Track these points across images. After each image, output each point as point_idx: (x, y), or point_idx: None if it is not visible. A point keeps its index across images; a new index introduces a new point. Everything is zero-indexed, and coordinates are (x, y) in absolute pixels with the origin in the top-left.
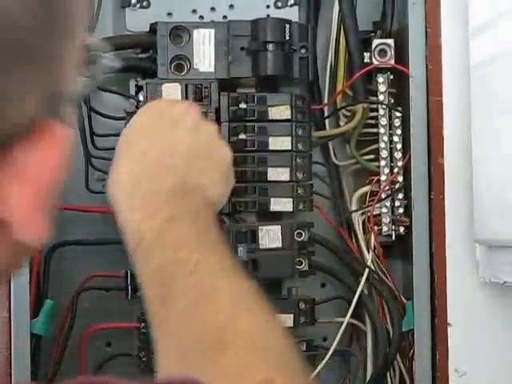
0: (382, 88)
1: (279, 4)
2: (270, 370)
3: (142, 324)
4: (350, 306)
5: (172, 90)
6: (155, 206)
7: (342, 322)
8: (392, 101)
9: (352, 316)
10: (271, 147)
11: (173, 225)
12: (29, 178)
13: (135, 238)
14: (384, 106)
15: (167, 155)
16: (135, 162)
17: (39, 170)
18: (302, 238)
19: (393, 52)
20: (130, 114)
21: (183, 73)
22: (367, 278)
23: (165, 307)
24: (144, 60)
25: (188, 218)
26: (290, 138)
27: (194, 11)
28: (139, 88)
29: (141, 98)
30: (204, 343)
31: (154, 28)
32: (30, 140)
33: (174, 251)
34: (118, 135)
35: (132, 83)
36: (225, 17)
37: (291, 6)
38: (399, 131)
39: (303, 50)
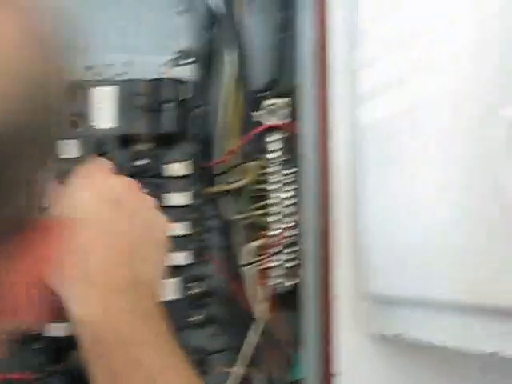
0: (273, 146)
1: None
2: None
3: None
4: (240, 356)
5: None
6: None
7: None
8: (284, 159)
9: (244, 366)
10: (167, 203)
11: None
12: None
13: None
14: (276, 164)
15: (109, 255)
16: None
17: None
18: (197, 290)
19: (286, 111)
20: None
21: (78, 129)
22: (257, 329)
23: None
24: None
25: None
26: (184, 194)
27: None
28: None
29: None
30: None
31: None
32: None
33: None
34: None
35: None
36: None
37: (185, 64)
38: (291, 188)
39: (197, 109)
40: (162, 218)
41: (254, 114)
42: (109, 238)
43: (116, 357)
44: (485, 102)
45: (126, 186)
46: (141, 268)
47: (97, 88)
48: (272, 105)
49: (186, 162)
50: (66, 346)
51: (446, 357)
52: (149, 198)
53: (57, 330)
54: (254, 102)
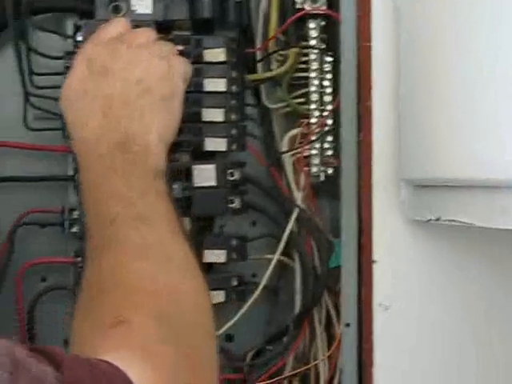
0: (313, 33)
1: None
2: (132, 309)
3: (78, 259)
4: (279, 243)
5: None
6: (94, 165)
7: (271, 259)
8: (323, 46)
9: (281, 253)
10: (206, 89)
11: (104, 181)
12: None
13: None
14: (315, 51)
15: (106, 110)
16: (80, 125)
17: None
18: (235, 177)
19: None
20: (69, 54)
21: (120, 14)
22: (297, 217)
23: (87, 248)
24: (81, 1)
25: (120, 175)
26: (224, 80)
27: None
28: (77, 28)
29: (79, 38)
30: (93, 287)
31: None
32: None
33: (102, 205)
34: (55, 74)
35: (69, 23)
36: None
37: None
38: (329, 76)
39: None
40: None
41: (294, 0)
42: (99, 103)
43: (89, 211)
44: None
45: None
46: (141, 122)
47: None
48: None
49: (226, 48)
50: None
51: (482, 238)
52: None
53: None
54: None
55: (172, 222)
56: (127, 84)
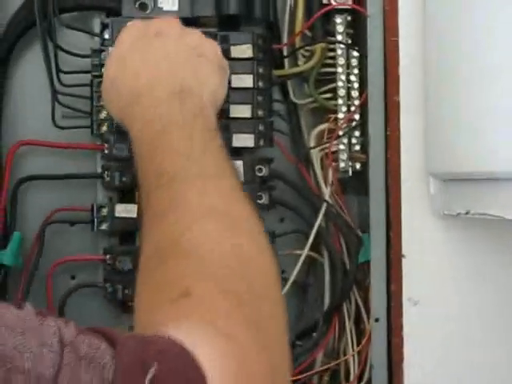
0: (339, 28)
1: None
2: (197, 280)
3: (107, 256)
4: (308, 239)
5: None
6: (151, 117)
7: (300, 255)
8: (350, 41)
9: (310, 249)
10: (233, 85)
11: (163, 136)
12: None
13: (133, 144)
14: (342, 46)
15: (161, 63)
16: (131, 80)
17: None
18: (263, 173)
19: None
20: (96, 52)
21: (147, 11)
22: (325, 212)
23: (144, 217)
24: None
25: (180, 127)
26: (251, 76)
27: None
28: (104, 26)
29: (106, 36)
30: (154, 256)
31: None
32: None
33: (159, 161)
34: (83, 72)
35: (97, 21)
36: None
37: None
38: (356, 70)
39: None
40: (207, 39)
41: None
42: (153, 58)
43: (146, 170)
44: None
45: (166, 23)
46: (194, 78)
47: None
48: None
49: (253, 44)
50: (134, 228)
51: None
52: (193, 29)
53: (125, 211)
54: None
55: (234, 179)
56: (183, 45)
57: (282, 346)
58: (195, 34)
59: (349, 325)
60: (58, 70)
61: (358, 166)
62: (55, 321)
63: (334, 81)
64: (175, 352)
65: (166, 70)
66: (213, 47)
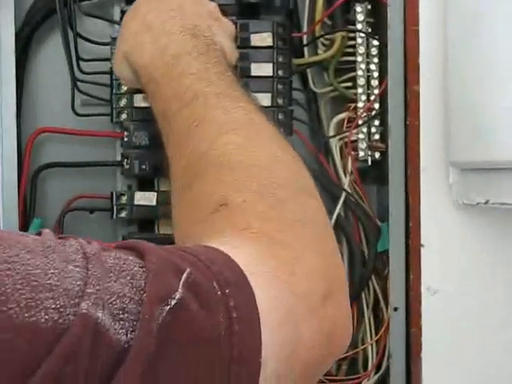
0: (360, 17)
1: None
2: (231, 192)
3: None
4: None
5: None
6: (165, 43)
7: None
8: (369, 30)
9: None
10: (253, 73)
11: (179, 60)
12: None
13: (146, 76)
14: (362, 35)
15: (172, 9)
16: (143, 15)
17: None
18: None
19: None
20: (115, 39)
21: None
22: (344, 201)
23: (167, 142)
24: None
25: (196, 52)
26: (271, 65)
27: None
28: (124, 14)
29: None
30: (185, 175)
31: None
32: None
33: (177, 83)
34: (102, 60)
35: (117, 9)
36: None
37: None
38: (376, 60)
39: None
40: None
41: None
42: (168, 6)
43: (164, 95)
44: None
45: None
46: (209, 29)
47: None
48: None
49: (273, 32)
50: (153, 215)
51: None
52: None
53: (144, 199)
54: None
55: (252, 101)
56: (201, 5)
57: (330, 237)
58: (213, 4)
59: (367, 314)
60: (78, 58)
61: (377, 155)
62: (77, 239)
63: (354, 70)
64: (209, 255)
65: (179, 15)
66: (228, 21)
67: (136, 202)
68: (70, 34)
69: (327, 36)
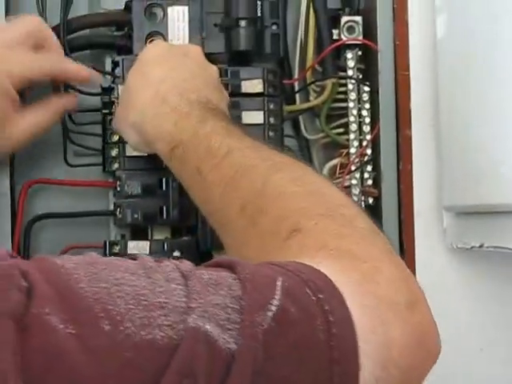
0: (350, 63)
1: None
2: (300, 218)
3: None
4: None
5: None
6: (187, 111)
7: None
8: (360, 76)
9: None
10: (244, 121)
11: (205, 123)
12: None
13: (170, 143)
14: (353, 81)
15: (185, 80)
16: (156, 86)
17: None
18: None
19: (361, 29)
20: (106, 90)
21: None
22: None
23: (205, 196)
24: (119, 37)
25: (216, 119)
26: (262, 112)
27: None
28: (115, 64)
29: (117, 73)
30: (244, 215)
31: (128, 6)
32: None
33: (208, 142)
34: (94, 111)
35: (108, 60)
36: None
37: None
38: (367, 105)
39: (274, 27)
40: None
41: (332, 31)
42: (177, 73)
43: (195, 154)
44: None
45: (190, 47)
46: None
47: (174, 7)
48: (349, 21)
49: (264, 79)
50: None
51: None
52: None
53: (137, 248)
54: (330, 19)
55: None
56: (205, 70)
57: (394, 253)
58: (214, 67)
59: None
60: None
61: (370, 200)
62: (170, 260)
63: (346, 116)
64: (296, 267)
65: (192, 87)
66: (222, 88)
67: (129, 251)
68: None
69: (318, 82)
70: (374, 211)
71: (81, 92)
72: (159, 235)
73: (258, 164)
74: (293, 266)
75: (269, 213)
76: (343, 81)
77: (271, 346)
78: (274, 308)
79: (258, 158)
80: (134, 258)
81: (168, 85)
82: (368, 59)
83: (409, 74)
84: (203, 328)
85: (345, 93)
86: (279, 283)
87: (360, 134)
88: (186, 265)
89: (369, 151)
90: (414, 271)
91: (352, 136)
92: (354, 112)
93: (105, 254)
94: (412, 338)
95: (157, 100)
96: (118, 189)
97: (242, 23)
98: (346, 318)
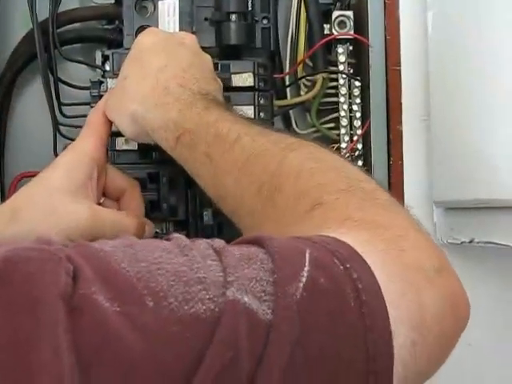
0: (341, 58)
1: None
2: (322, 193)
3: None
4: None
5: None
6: (191, 101)
7: None
8: (351, 71)
9: None
10: None
11: (210, 111)
12: None
13: (175, 132)
14: (344, 76)
15: (183, 69)
16: (154, 75)
17: None
18: None
19: (352, 23)
20: (95, 84)
21: None
22: None
23: (217, 181)
24: (109, 31)
25: (220, 108)
26: (252, 107)
27: None
28: (105, 58)
29: (107, 67)
30: (262, 195)
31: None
32: None
33: (216, 129)
34: (83, 104)
35: (98, 53)
36: None
37: None
38: (358, 100)
39: (265, 21)
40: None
41: (323, 26)
42: (176, 62)
43: (204, 141)
44: None
45: (186, 35)
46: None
47: (165, 1)
48: (340, 16)
49: (254, 73)
50: None
51: None
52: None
53: None
54: (321, 14)
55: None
56: (201, 59)
57: (417, 222)
58: (208, 56)
59: None
60: (59, 103)
61: None
62: (201, 239)
63: (337, 110)
64: (321, 238)
65: (191, 77)
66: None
67: None
68: (52, 79)
69: (309, 77)
70: None
71: (70, 85)
72: None
73: (270, 147)
74: (317, 238)
75: (287, 191)
76: (334, 75)
77: (306, 315)
78: (304, 279)
79: (269, 142)
80: (168, 238)
81: (167, 74)
82: (359, 54)
83: (400, 69)
84: (242, 300)
85: (336, 87)
86: (307, 255)
87: (351, 129)
88: (218, 242)
89: (359, 146)
90: None
91: (343, 131)
92: (345, 107)
93: None
94: (443, 302)
95: (158, 90)
96: None
97: (233, 17)
98: (374, 285)
